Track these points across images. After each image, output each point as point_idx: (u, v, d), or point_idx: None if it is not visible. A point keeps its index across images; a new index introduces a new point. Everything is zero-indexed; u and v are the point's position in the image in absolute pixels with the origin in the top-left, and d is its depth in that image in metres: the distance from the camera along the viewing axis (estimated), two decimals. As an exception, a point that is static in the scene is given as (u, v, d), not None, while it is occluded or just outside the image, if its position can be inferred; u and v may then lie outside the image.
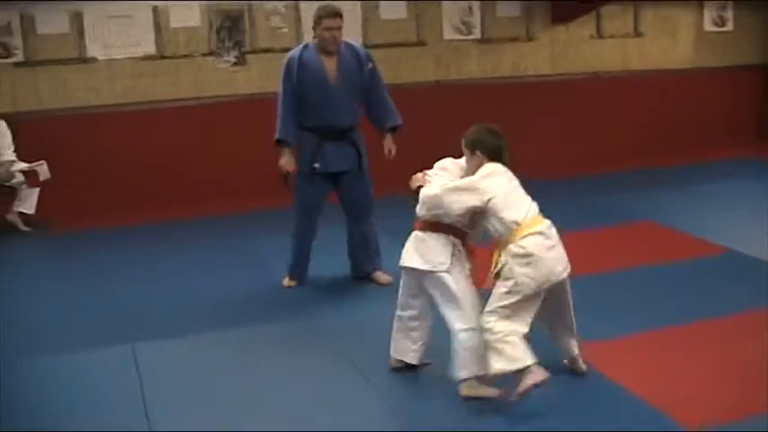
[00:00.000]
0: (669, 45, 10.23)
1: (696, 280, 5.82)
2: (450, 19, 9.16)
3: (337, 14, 5.42)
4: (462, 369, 4.01)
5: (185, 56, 8.27)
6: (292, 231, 5.77)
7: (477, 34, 9.28)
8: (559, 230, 4.10)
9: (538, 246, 3.92)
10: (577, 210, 7.21)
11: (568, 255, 4.10)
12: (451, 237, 4.08)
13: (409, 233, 4.20)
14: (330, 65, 5.44)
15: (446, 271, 4.03)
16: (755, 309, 5.21)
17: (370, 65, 5.56)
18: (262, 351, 4.81)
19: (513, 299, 3.90)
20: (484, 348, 3.93)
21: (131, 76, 8.15)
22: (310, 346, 4.83)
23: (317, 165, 5.48)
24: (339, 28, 5.42)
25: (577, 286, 5.42)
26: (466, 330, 3.99)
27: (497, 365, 3.88)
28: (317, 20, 5.43)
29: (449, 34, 9.17)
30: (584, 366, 4.30)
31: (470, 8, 9.20)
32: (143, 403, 4.14)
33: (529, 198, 4.07)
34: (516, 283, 3.89)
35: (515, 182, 4.08)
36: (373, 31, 8.74)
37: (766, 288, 5.62)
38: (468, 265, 4.14)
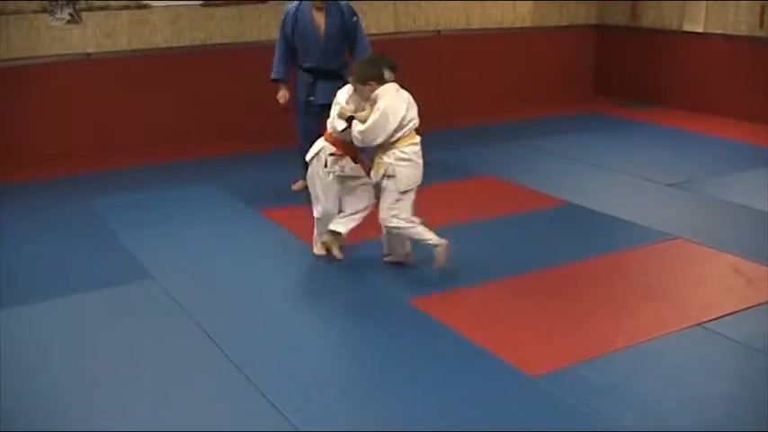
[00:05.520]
0: (509, 5, 10.46)
1: (535, 232, 6.03)
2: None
3: None
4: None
5: (14, 12, 7.80)
6: (299, 151, 6.44)
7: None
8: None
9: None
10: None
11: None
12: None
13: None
14: (320, 19, 6.54)
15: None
16: (591, 257, 5.47)
17: (354, 18, 6.68)
18: (112, 316, 4.67)
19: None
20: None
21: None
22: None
23: (311, 98, 6.63)
24: None
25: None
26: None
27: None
28: None
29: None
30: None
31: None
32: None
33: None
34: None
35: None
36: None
37: (601, 238, 5.90)
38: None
